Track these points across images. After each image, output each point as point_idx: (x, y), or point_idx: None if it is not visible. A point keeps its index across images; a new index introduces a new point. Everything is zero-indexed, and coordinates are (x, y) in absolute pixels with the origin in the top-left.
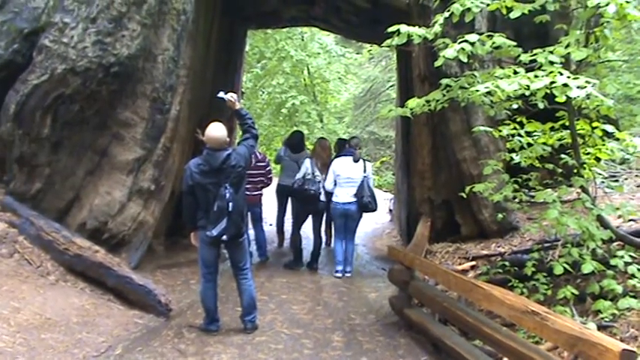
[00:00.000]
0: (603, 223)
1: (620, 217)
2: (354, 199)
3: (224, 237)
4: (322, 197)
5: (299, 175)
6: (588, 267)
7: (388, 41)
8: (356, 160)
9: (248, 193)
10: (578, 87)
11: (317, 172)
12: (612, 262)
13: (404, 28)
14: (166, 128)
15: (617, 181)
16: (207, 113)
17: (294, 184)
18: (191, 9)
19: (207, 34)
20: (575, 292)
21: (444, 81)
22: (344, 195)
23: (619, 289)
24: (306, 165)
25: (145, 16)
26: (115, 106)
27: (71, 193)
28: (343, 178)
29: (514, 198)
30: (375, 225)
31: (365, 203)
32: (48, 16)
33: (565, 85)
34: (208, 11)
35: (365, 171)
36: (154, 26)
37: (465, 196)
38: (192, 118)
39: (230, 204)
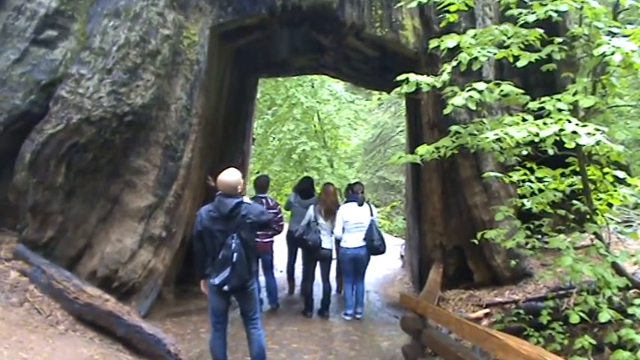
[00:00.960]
0: (619, 270)
1: (635, 263)
2: (364, 243)
3: (225, 287)
4: (325, 245)
5: (302, 223)
6: (605, 316)
7: (397, 89)
8: (360, 204)
9: (259, 240)
10: (587, 134)
11: (320, 220)
12: (630, 310)
13: (413, 76)
14: (178, 175)
15: (630, 226)
16: (218, 160)
17: (296, 233)
18: (204, 59)
19: (220, 82)
20: (593, 341)
21: (453, 128)
22: (353, 240)
23: (638, 338)
24: (309, 212)
25: (159, 66)
26: (128, 154)
27: (83, 240)
28: (351, 224)
29: (526, 244)
30: (387, 271)
31: (376, 246)
32: (65, 67)
33: (574, 132)
34: (221, 61)
35: (372, 214)
36: (167, 76)
37: (476, 242)
38: (204, 165)
39: (235, 254)
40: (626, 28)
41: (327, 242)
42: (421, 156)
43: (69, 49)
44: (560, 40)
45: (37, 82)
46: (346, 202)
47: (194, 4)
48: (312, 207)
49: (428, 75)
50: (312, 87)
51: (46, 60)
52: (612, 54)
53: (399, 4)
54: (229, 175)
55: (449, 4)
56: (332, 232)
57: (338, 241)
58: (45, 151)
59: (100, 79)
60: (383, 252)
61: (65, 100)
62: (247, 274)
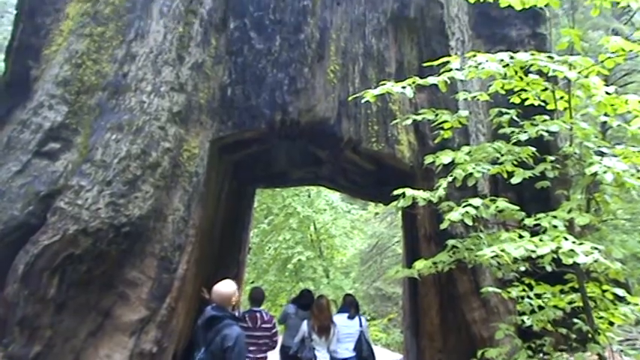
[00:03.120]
0: None
1: None
2: (353, 354)
3: None
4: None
5: (296, 340)
6: None
7: (394, 203)
8: (351, 318)
9: (252, 355)
10: (584, 253)
11: (314, 336)
12: None
13: (409, 191)
14: (172, 287)
15: (634, 345)
16: (214, 271)
17: (290, 350)
18: (203, 172)
19: (217, 193)
20: None
21: (450, 242)
22: (343, 350)
23: None
24: (303, 328)
25: (159, 178)
26: (122, 265)
27: (71, 356)
28: (342, 334)
29: None
30: None
31: (364, 357)
32: (65, 179)
33: (571, 250)
34: (219, 173)
35: (361, 325)
36: (166, 188)
37: None
38: (199, 276)
39: None
40: (615, 147)
41: (323, 359)
42: (418, 270)
43: (70, 161)
44: (552, 158)
45: (37, 193)
46: (338, 312)
47: (195, 119)
48: (305, 322)
49: (424, 189)
50: (309, 196)
51: (47, 172)
52: (604, 173)
53: (394, 121)
54: (224, 287)
55: (443, 122)
56: (328, 349)
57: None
58: (39, 263)
59: (100, 191)
60: None
61: (63, 212)
62: None
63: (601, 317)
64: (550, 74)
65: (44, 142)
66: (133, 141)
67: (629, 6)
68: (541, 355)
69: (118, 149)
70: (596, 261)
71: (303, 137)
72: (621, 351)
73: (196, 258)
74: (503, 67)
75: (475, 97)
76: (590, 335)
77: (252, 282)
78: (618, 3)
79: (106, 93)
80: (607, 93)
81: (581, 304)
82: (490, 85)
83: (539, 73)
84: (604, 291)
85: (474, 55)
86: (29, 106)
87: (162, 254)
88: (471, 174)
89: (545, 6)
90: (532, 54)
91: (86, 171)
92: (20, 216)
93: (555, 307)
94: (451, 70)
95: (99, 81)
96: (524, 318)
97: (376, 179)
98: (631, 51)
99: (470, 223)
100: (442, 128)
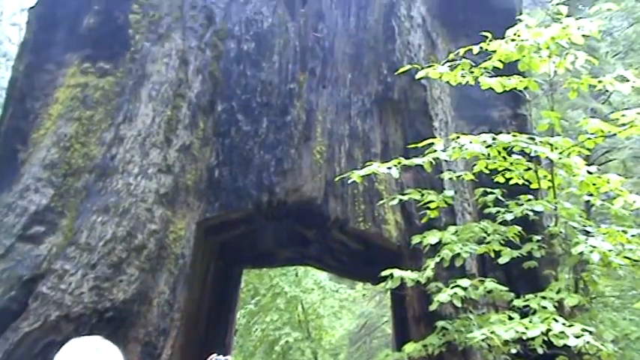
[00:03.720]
0: None
1: None
2: None
3: None
4: None
5: None
6: None
7: (382, 285)
8: None
9: None
10: (575, 335)
11: None
12: None
13: (397, 272)
14: None
15: None
16: (199, 356)
17: None
18: (189, 253)
19: (204, 275)
20: None
21: (440, 323)
22: None
23: None
24: None
25: (144, 260)
26: None
27: None
28: None
29: None
30: None
31: None
32: (49, 263)
33: (562, 332)
34: (205, 254)
35: None
36: (151, 270)
37: None
38: None
39: None
40: (599, 226)
41: None
42: (408, 354)
43: (55, 245)
44: (538, 237)
45: (19, 277)
46: None
47: (182, 200)
48: None
49: (412, 269)
50: (297, 276)
51: (30, 255)
52: (591, 253)
53: (381, 201)
54: None
55: (429, 202)
56: None
57: None
58: (18, 351)
59: (84, 274)
60: None
61: (45, 297)
62: None
63: None
64: (532, 154)
65: (29, 225)
66: (119, 223)
67: (605, 88)
68: None
69: (104, 232)
70: (587, 343)
71: (290, 217)
72: None
73: (181, 343)
74: (487, 147)
75: (460, 176)
76: None
77: None
78: (595, 86)
79: (93, 175)
80: (589, 172)
81: None
82: (474, 165)
83: (522, 153)
84: None
85: (458, 137)
86: (15, 189)
87: (147, 339)
88: (458, 254)
89: (525, 88)
90: (514, 135)
91: (70, 254)
92: (1, 301)
93: None
94: (435, 151)
95: (86, 163)
96: None
97: (364, 259)
98: (609, 132)
99: (459, 305)
100: (428, 208)
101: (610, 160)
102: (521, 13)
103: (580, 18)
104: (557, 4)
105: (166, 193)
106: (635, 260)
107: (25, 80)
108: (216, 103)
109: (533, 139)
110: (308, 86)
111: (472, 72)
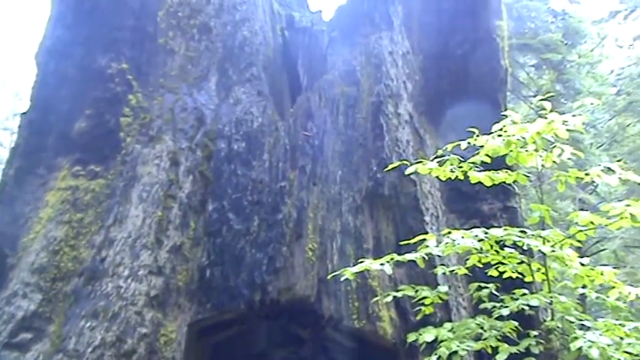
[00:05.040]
0: None
1: None
2: None
3: None
4: None
5: None
6: None
7: None
8: None
9: None
10: None
11: None
12: None
13: None
14: None
15: None
16: None
17: None
18: (180, 357)
19: None
20: None
21: None
22: None
23: None
24: None
25: None
26: None
27: None
28: None
29: None
30: None
31: None
32: None
33: None
34: (197, 356)
35: None
36: None
37: None
38: None
39: None
40: (596, 320)
41: None
42: None
43: (42, 352)
44: (535, 332)
45: None
46: None
47: (173, 302)
48: None
49: None
50: None
51: None
52: (589, 348)
53: (375, 298)
54: None
55: (423, 298)
56: None
57: None
58: None
59: None
60: None
61: None
62: None
63: None
64: (525, 247)
65: (15, 332)
66: (109, 328)
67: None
68: None
69: (92, 337)
70: None
71: (283, 316)
72: None
73: None
74: (479, 241)
75: (453, 271)
76: None
77: None
78: (582, 179)
79: (82, 279)
80: (582, 264)
81: None
82: (467, 259)
83: (515, 246)
84: None
85: (449, 233)
86: (3, 294)
87: None
88: (455, 352)
89: (514, 182)
90: (505, 229)
91: None
92: None
93: None
94: (428, 246)
95: (76, 267)
96: None
97: (359, 357)
98: (600, 224)
99: None
100: (423, 304)
101: (602, 250)
102: (506, 109)
103: (564, 113)
104: (541, 100)
105: (157, 295)
106: (635, 355)
107: (15, 184)
108: (207, 203)
109: (524, 232)
110: (299, 184)
111: (461, 167)
